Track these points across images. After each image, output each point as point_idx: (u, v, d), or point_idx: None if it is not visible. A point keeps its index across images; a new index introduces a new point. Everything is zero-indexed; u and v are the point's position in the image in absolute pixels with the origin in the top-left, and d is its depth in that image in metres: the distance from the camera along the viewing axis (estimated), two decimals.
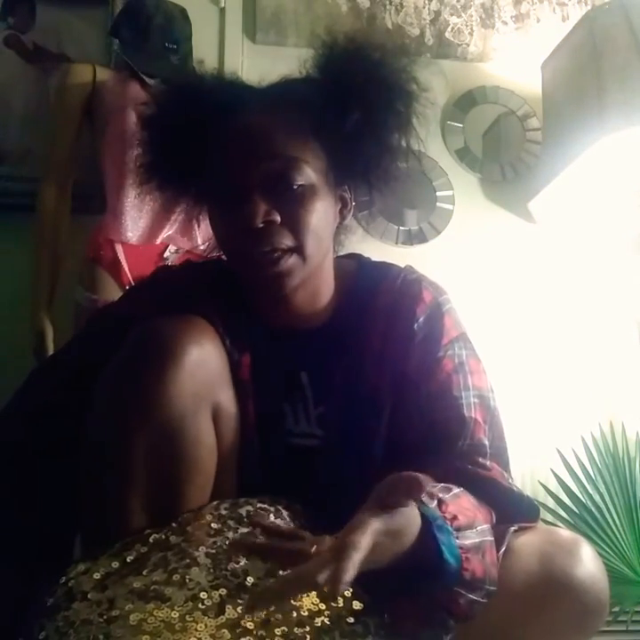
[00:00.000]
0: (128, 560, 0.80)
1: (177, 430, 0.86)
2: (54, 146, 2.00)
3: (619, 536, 1.98)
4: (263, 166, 0.95)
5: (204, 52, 2.07)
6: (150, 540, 0.82)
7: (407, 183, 2.34)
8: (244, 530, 0.83)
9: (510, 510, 0.94)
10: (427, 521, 0.80)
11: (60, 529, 0.96)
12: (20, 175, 2.17)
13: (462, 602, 0.83)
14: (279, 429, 1.00)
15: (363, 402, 0.99)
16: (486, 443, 0.99)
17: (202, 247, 1.90)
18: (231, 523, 0.84)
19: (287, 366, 1.02)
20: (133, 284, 1.81)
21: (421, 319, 1.03)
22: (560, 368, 2.25)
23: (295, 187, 0.96)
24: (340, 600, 0.75)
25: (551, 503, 2.06)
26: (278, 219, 0.94)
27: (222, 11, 2.36)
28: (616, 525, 2.00)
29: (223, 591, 0.75)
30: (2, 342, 2.01)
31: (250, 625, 0.72)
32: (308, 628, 0.73)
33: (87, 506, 0.90)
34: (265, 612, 0.73)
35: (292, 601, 0.73)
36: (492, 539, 0.88)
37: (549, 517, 2.02)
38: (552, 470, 2.08)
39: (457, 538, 0.82)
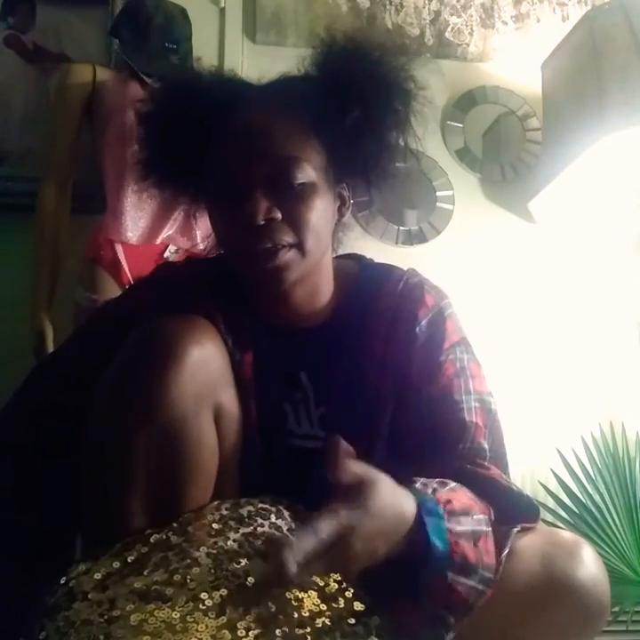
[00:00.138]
0: (129, 560, 0.80)
1: (178, 431, 0.86)
2: (54, 146, 2.00)
3: (619, 536, 1.98)
4: (265, 165, 0.95)
5: (204, 52, 2.07)
6: (151, 540, 0.82)
7: (407, 183, 2.36)
8: (246, 530, 0.83)
9: (509, 509, 0.93)
10: (417, 505, 0.80)
11: (61, 529, 0.96)
12: (20, 175, 2.17)
13: (461, 589, 0.82)
14: (280, 430, 1.00)
15: (364, 404, 0.99)
16: (486, 446, 0.99)
17: (201, 246, 1.90)
18: (232, 523, 0.84)
19: (287, 366, 1.02)
20: (134, 281, 1.81)
21: (423, 323, 1.03)
22: (560, 368, 2.25)
23: (296, 185, 0.96)
24: (341, 601, 0.75)
25: (551, 503, 2.06)
26: (279, 216, 0.95)
27: (222, 11, 2.36)
28: (616, 525, 2.00)
29: (224, 591, 0.75)
30: (2, 342, 2.01)
31: (250, 625, 0.72)
32: (308, 629, 0.73)
33: (88, 506, 0.90)
34: (266, 613, 0.73)
35: (293, 601, 0.73)
36: (489, 529, 0.87)
37: (549, 517, 2.02)
38: (552, 470, 2.08)
39: (448, 522, 0.82)
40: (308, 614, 0.74)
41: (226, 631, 0.72)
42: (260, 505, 0.88)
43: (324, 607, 0.75)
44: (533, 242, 2.36)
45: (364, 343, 1.02)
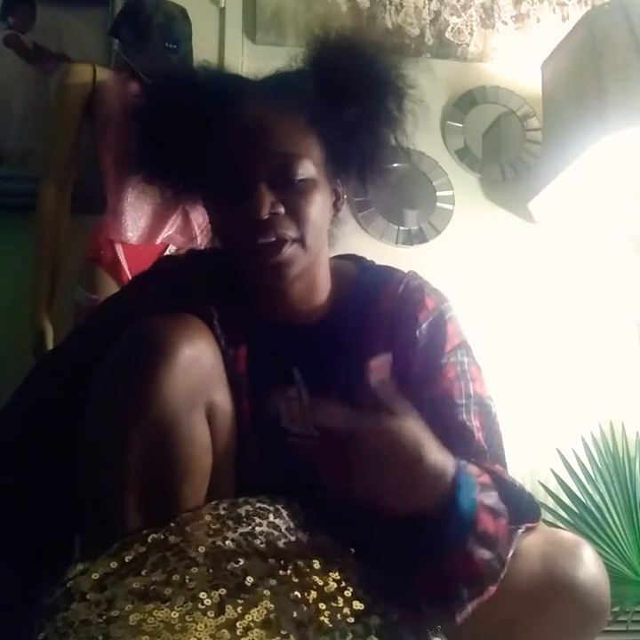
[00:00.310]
0: (127, 560, 0.80)
1: (171, 429, 0.86)
2: (54, 146, 2.00)
3: (619, 536, 1.98)
4: (267, 160, 0.96)
5: (204, 51, 2.07)
6: (149, 540, 0.82)
7: (407, 183, 2.36)
8: (244, 530, 0.83)
9: (512, 507, 0.93)
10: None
11: (61, 528, 0.96)
12: (20, 175, 2.17)
13: (477, 560, 0.81)
14: (274, 426, 1.00)
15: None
16: (485, 448, 0.99)
17: (199, 241, 1.90)
18: (230, 523, 0.84)
19: (280, 361, 1.02)
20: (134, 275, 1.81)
21: (424, 326, 1.03)
22: (560, 368, 2.25)
23: (297, 180, 0.97)
24: (340, 600, 0.75)
25: (551, 503, 2.06)
26: (283, 210, 0.95)
27: (222, 11, 2.36)
28: (616, 525, 2.00)
29: (223, 591, 0.75)
30: (2, 342, 2.01)
31: (250, 625, 0.72)
32: (308, 628, 0.73)
33: (85, 505, 0.90)
34: (265, 612, 0.73)
35: (291, 600, 0.73)
36: (507, 515, 0.87)
37: (549, 517, 2.02)
38: (552, 470, 2.08)
39: (478, 493, 0.82)
40: (307, 613, 0.74)
41: (225, 630, 0.72)
42: (257, 504, 0.88)
43: (323, 606, 0.75)
44: (533, 242, 2.35)
45: (363, 345, 1.02)
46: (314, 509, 0.94)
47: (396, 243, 2.32)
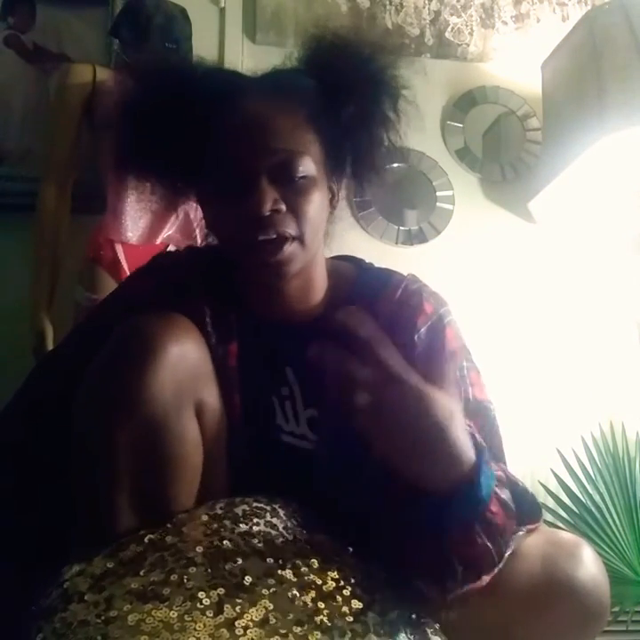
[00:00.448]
0: (124, 560, 0.80)
1: (160, 427, 0.86)
2: (54, 146, 2.00)
3: (619, 536, 1.99)
4: (268, 157, 0.95)
5: (204, 51, 2.06)
6: (145, 540, 0.82)
7: (407, 183, 2.36)
8: (242, 529, 0.83)
9: (516, 506, 0.93)
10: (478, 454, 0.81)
11: (61, 528, 0.96)
12: (20, 175, 2.17)
13: (479, 545, 0.80)
14: (268, 423, 1.00)
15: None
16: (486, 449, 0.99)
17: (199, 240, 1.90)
18: (227, 522, 0.84)
19: (273, 359, 1.02)
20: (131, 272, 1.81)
21: (422, 330, 1.02)
22: (560, 368, 2.25)
23: (297, 178, 0.96)
24: (339, 599, 0.75)
25: (551, 503, 2.06)
26: (284, 208, 0.95)
27: (222, 11, 2.36)
28: (616, 525, 2.00)
29: (221, 591, 0.75)
30: (2, 342, 2.01)
31: (248, 624, 0.72)
32: (306, 627, 0.73)
33: (78, 505, 0.90)
34: (263, 611, 0.73)
35: (290, 600, 0.73)
36: (515, 518, 0.87)
37: (549, 517, 2.02)
38: (552, 470, 2.08)
39: (495, 483, 0.82)
40: (305, 612, 0.74)
41: (224, 630, 0.72)
42: (254, 504, 0.88)
43: (321, 605, 0.75)
44: (533, 242, 2.36)
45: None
46: (309, 508, 0.94)
47: (396, 243, 2.32)
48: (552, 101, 2.22)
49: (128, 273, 1.88)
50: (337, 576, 0.80)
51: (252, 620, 0.73)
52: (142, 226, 1.95)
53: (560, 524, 2.00)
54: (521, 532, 0.91)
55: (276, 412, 1.01)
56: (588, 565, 0.91)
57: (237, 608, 0.74)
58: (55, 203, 1.97)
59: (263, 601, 0.75)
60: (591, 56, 1.99)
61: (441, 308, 1.06)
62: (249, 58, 2.32)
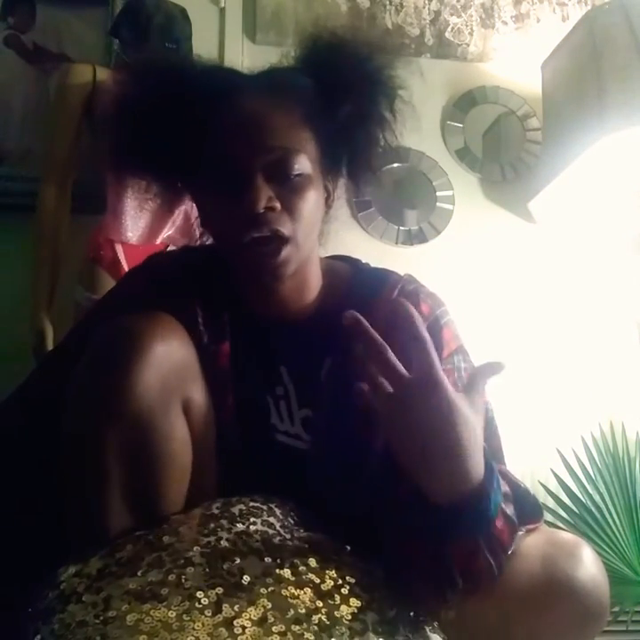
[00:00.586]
0: (120, 561, 0.80)
1: (147, 425, 0.86)
2: (54, 146, 2.00)
3: (619, 536, 1.98)
4: (264, 155, 0.95)
5: (204, 52, 2.06)
6: (142, 540, 0.82)
7: (407, 183, 2.36)
8: (239, 528, 0.83)
9: (517, 506, 0.93)
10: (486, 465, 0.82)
11: (57, 528, 0.96)
12: (20, 175, 2.17)
13: (482, 560, 0.81)
14: (262, 422, 1.00)
15: (353, 412, 0.98)
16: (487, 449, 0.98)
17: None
18: (224, 522, 0.84)
19: (267, 358, 1.02)
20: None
21: None
22: (560, 368, 2.25)
23: (294, 176, 0.96)
24: (337, 597, 0.75)
25: (551, 503, 2.06)
26: (279, 206, 0.95)
27: (222, 11, 2.36)
28: (616, 525, 2.00)
29: (220, 590, 0.75)
30: (2, 342, 2.01)
31: (247, 623, 0.72)
32: (305, 626, 0.73)
33: (68, 505, 0.90)
34: (262, 610, 0.73)
35: (289, 598, 0.73)
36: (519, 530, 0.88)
37: (549, 517, 2.02)
38: (552, 470, 2.08)
39: (503, 500, 0.83)
40: (304, 611, 0.74)
41: (222, 629, 0.72)
42: (251, 503, 0.88)
43: (320, 604, 0.75)
44: (533, 242, 2.36)
45: (354, 347, 1.01)
46: (308, 509, 0.93)
47: (396, 243, 2.32)
48: (552, 101, 2.22)
49: None
50: (335, 575, 0.80)
51: (250, 619, 0.73)
52: (142, 226, 1.95)
53: (560, 524, 2.00)
54: (521, 532, 0.91)
55: (270, 412, 1.01)
56: (588, 565, 0.90)
57: (236, 607, 0.74)
58: (55, 203, 1.97)
59: (261, 600, 0.75)
60: (591, 56, 1.99)
61: (438, 308, 1.05)
62: (249, 58, 2.32)
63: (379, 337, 0.82)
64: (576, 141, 1.97)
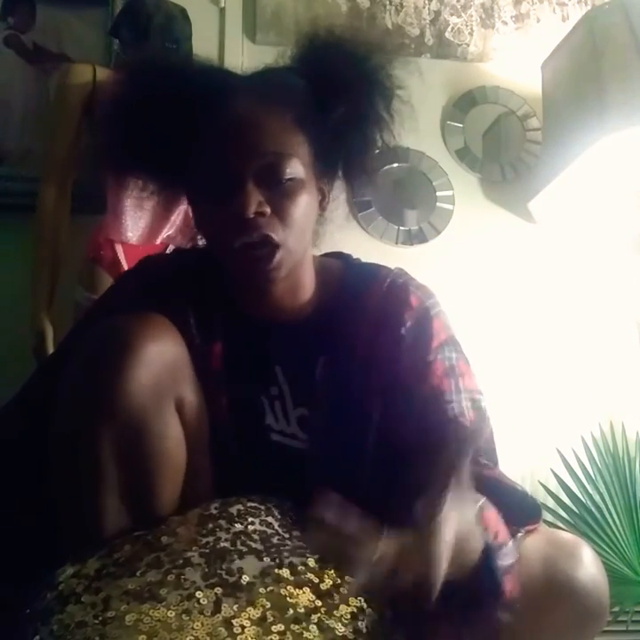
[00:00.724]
0: (119, 561, 0.80)
1: (141, 424, 0.87)
2: (54, 146, 2.00)
3: (619, 536, 1.98)
4: (256, 159, 0.95)
5: (204, 52, 2.06)
6: (140, 541, 0.82)
7: (407, 183, 2.36)
8: (237, 528, 0.83)
9: (514, 510, 0.93)
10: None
11: (55, 529, 0.96)
12: (20, 175, 2.17)
13: (499, 624, 0.82)
14: (257, 422, 1.00)
15: (349, 408, 0.98)
16: (481, 445, 0.98)
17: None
18: (223, 522, 0.84)
19: (261, 359, 1.02)
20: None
21: (409, 324, 1.02)
22: (560, 368, 2.25)
23: (285, 180, 0.96)
24: (337, 597, 0.76)
25: (551, 503, 2.06)
26: (269, 210, 0.94)
27: (222, 11, 2.36)
28: (616, 525, 2.00)
29: (219, 590, 0.75)
30: (2, 342, 2.01)
31: (246, 622, 0.72)
32: (304, 625, 0.73)
33: (60, 506, 0.90)
34: (261, 610, 0.73)
35: (288, 598, 0.73)
36: (517, 559, 0.87)
37: (549, 517, 2.01)
38: (552, 470, 2.08)
39: (499, 557, 0.82)
40: (303, 610, 0.75)
41: (221, 628, 0.72)
42: (249, 503, 0.89)
43: (319, 603, 0.75)
44: (533, 242, 2.35)
45: (347, 344, 1.01)
46: (302, 507, 0.94)
47: (396, 243, 2.32)
48: (552, 101, 2.22)
49: None
50: (334, 574, 0.80)
51: (249, 619, 0.73)
52: (142, 226, 1.95)
53: (560, 524, 2.00)
54: (520, 534, 0.91)
55: (265, 412, 1.01)
56: (588, 566, 0.91)
57: (235, 607, 0.74)
58: (55, 203, 1.97)
59: (260, 599, 0.75)
60: (591, 56, 1.99)
61: (428, 300, 1.05)
62: (249, 58, 2.32)
63: None
64: (576, 141, 1.97)
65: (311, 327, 1.02)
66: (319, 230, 1.09)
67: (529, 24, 2.48)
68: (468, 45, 2.45)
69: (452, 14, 2.44)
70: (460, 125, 2.44)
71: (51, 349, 1.87)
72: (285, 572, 0.78)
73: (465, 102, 2.45)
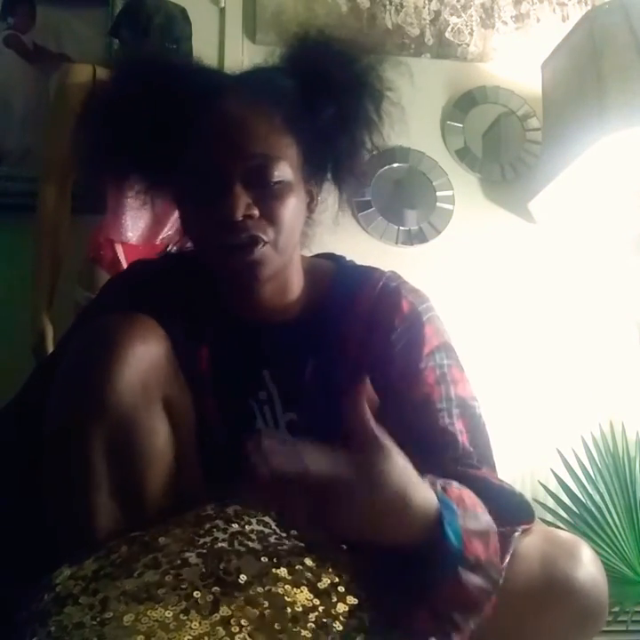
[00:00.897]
0: (116, 562, 0.80)
1: (130, 422, 0.87)
2: (54, 146, 2.00)
3: (619, 536, 1.98)
4: (244, 161, 0.94)
5: (204, 52, 2.07)
6: (137, 541, 0.82)
7: (407, 183, 2.36)
8: (235, 529, 0.83)
9: (504, 510, 0.92)
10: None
11: (51, 531, 0.96)
12: (20, 175, 2.18)
13: (471, 588, 0.80)
14: (246, 427, 0.99)
15: (339, 412, 0.97)
16: (471, 450, 0.97)
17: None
18: (220, 522, 0.84)
19: (249, 362, 1.01)
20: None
21: (400, 329, 1.00)
22: (560, 368, 2.25)
23: (273, 183, 0.95)
24: (334, 596, 0.76)
25: (551, 503, 2.06)
26: (257, 213, 0.94)
27: (222, 11, 2.37)
28: (616, 525, 2.00)
29: (217, 590, 0.75)
30: (2, 342, 2.01)
31: (244, 622, 0.72)
32: (301, 624, 0.73)
33: (52, 506, 0.90)
34: (259, 609, 0.73)
35: (285, 597, 0.73)
36: (496, 529, 0.86)
37: (549, 517, 2.02)
38: (552, 470, 2.08)
39: (462, 519, 0.80)
40: (301, 609, 0.75)
41: (220, 628, 0.72)
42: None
43: (317, 602, 0.75)
44: (533, 242, 2.36)
45: (337, 348, 1.00)
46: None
47: (396, 243, 2.32)
48: (552, 101, 2.22)
49: None
50: (331, 573, 0.80)
51: (247, 618, 0.73)
52: (142, 226, 1.95)
53: (560, 524, 2.00)
54: (517, 534, 0.91)
55: (255, 417, 1.00)
56: (587, 565, 0.90)
57: (233, 606, 0.74)
58: (55, 203, 1.97)
59: (258, 599, 0.75)
60: (591, 56, 1.99)
61: (420, 304, 1.04)
62: (249, 58, 2.32)
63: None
64: (576, 141, 1.97)
65: (301, 329, 1.02)
66: (308, 232, 1.08)
67: (529, 24, 2.48)
68: (468, 45, 2.45)
69: (451, 14, 2.44)
70: (460, 125, 2.44)
71: (51, 349, 1.87)
72: (283, 572, 0.78)
73: (465, 102, 2.45)
